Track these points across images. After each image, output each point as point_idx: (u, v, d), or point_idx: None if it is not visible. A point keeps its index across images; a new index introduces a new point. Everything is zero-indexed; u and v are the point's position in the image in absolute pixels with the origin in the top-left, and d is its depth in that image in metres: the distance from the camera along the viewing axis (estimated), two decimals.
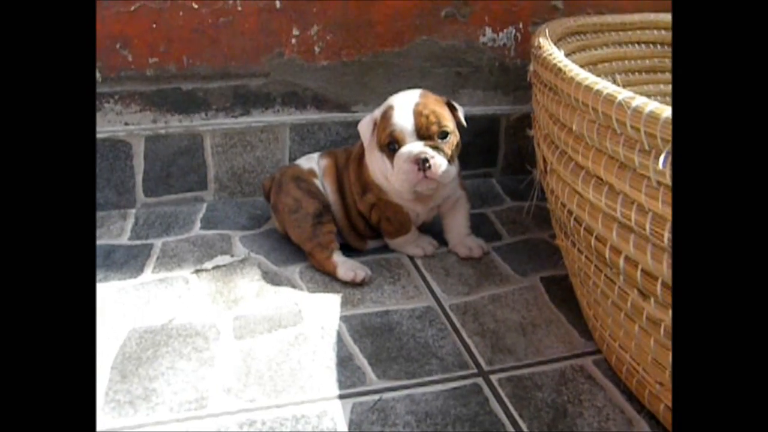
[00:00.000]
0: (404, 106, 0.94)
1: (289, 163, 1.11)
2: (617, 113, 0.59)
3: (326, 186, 1.04)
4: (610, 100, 0.61)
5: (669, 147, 0.53)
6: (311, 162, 1.07)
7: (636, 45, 1.21)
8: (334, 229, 1.01)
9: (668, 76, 1.24)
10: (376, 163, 0.98)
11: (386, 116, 0.95)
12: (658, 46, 1.22)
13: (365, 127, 0.98)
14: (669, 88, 1.24)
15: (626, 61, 1.21)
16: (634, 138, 0.58)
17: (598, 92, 0.63)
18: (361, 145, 1.03)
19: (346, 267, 0.96)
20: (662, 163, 0.54)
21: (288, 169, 1.06)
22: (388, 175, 0.96)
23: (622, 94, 0.60)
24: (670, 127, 0.53)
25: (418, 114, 0.92)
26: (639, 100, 0.57)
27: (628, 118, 0.57)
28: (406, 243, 1.04)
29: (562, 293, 0.94)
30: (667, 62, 1.24)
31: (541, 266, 1.02)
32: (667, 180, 0.54)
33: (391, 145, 0.93)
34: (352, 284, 0.96)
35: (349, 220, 1.04)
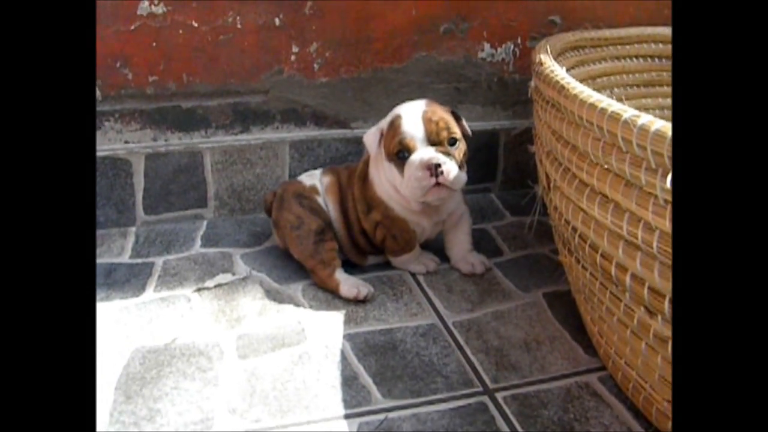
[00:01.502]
0: (412, 114, 0.94)
1: (291, 179, 1.11)
2: (623, 131, 0.59)
3: (328, 203, 1.03)
4: (615, 118, 0.61)
5: None
6: (313, 179, 1.06)
7: (634, 59, 1.22)
8: (336, 246, 1.00)
9: (666, 89, 1.24)
10: (383, 175, 0.98)
11: (394, 125, 0.94)
12: (656, 60, 1.23)
13: (371, 138, 0.98)
14: (667, 101, 1.24)
15: (624, 75, 1.21)
16: (641, 156, 0.58)
17: (603, 110, 0.63)
18: (365, 162, 1.03)
19: (348, 284, 0.96)
20: (669, 182, 0.54)
21: (290, 186, 1.06)
22: (397, 184, 0.95)
23: (627, 112, 0.60)
24: None
25: (427, 120, 0.92)
26: (645, 119, 0.57)
27: (635, 137, 0.57)
28: (409, 261, 1.04)
29: (565, 309, 0.94)
30: (665, 76, 1.24)
31: (543, 282, 1.01)
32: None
33: (401, 153, 0.93)
34: (355, 302, 0.96)
35: (350, 237, 1.03)
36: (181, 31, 1.12)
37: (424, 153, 0.91)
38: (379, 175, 0.99)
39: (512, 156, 1.32)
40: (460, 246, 1.05)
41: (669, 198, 0.55)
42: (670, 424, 0.69)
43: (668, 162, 0.54)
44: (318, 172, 1.08)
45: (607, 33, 1.17)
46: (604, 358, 0.83)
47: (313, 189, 1.04)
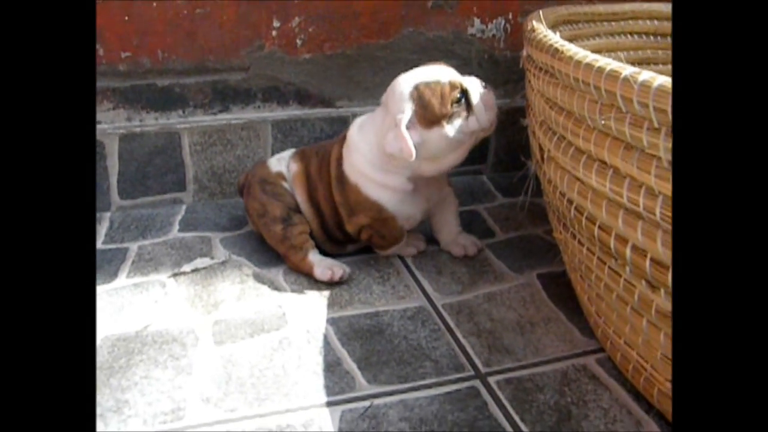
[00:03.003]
0: (432, 70, 0.89)
1: (261, 162, 1.03)
2: (623, 90, 0.55)
3: (296, 194, 0.96)
4: (614, 76, 0.56)
5: None
6: (281, 164, 0.99)
7: (629, 35, 1.17)
8: (307, 229, 0.95)
9: (662, 68, 1.20)
10: (432, 145, 0.87)
11: (424, 91, 0.86)
12: (651, 37, 1.19)
13: (403, 138, 0.84)
14: None
15: (619, 52, 1.17)
16: (642, 115, 0.54)
17: (600, 69, 0.59)
18: (339, 161, 0.93)
19: (322, 266, 0.91)
20: None
21: (257, 170, 1.00)
22: (456, 139, 0.87)
23: (627, 69, 0.55)
24: None
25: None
26: (646, 75, 0.53)
27: (635, 94, 0.53)
28: (397, 249, 0.99)
29: (561, 290, 0.89)
30: (661, 54, 1.20)
31: (537, 263, 0.97)
32: None
33: (459, 100, 0.86)
34: (333, 284, 0.91)
35: (324, 229, 0.97)
36: (155, 4, 1.07)
37: (472, 84, 0.88)
38: (372, 173, 0.90)
39: (504, 136, 1.27)
40: (448, 228, 1.00)
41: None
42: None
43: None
44: (287, 154, 1.01)
45: (601, 8, 1.13)
46: (602, 338, 0.78)
47: (279, 175, 0.98)
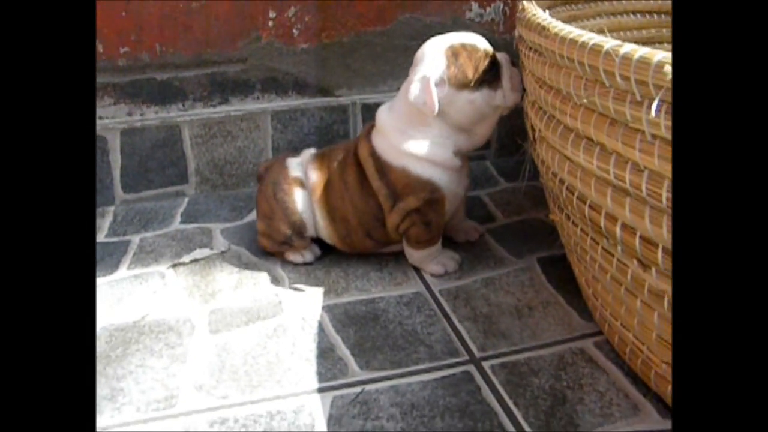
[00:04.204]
0: (465, 35, 0.88)
1: (284, 155, 0.97)
2: (605, 63, 0.54)
3: (315, 207, 0.91)
4: (596, 50, 0.55)
5: (661, 93, 0.48)
6: (300, 168, 0.93)
7: (631, 15, 1.15)
8: (307, 243, 0.93)
9: (666, 47, 1.18)
10: (459, 110, 0.86)
11: (459, 53, 0.85)
12: (655, 16, 1.16)
13: (426, 90, 0.82)
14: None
15: (621, 32, 1.15)
16: (624, 88, 0.52)
17: (583, 44, 0.57)
18: (373, 157, 0.88)
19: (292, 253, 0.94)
20: (654, 110, 0.48)
21: (277, 167, 0.94)
22: (484, 109, 0.86)
23: (609, 43, 0.54)
24: (662, 72, 0.47)
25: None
26: (627, 47, 0.52)
27: (617, 67, 0.52)
28: (430, 255, 0.91)
29: (561, 274, 0.88)
30: (665, 32, 1.18)
31: (537, 247, 0.96)
32: (663, 131, 0.49)
33: (492, 70, 0.86)
34: (331, 272, 0.91)
35: (347, 241, 0.92)
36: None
37: (504, 59, 0.88)
38: (419, 151, 0.86)
39: (507, 121, 1.25)
40: (459, 215, 0.98)
41: (656, 132, 0.50)
42: (669, 388, 0.63)
43: (654, 90, 0.49)
44: (308, 157, 0.95)
45: None
46: (600, 321, 0.77)
47: (296, 180, 0.92)
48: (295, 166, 0.93)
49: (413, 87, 0.83)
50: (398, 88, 1.17)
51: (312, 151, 0.96)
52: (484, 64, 0.85)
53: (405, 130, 0.86)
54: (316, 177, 0.91)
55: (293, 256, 0.94)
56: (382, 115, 0.89)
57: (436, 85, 0.83)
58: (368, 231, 0.90)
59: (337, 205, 0.90)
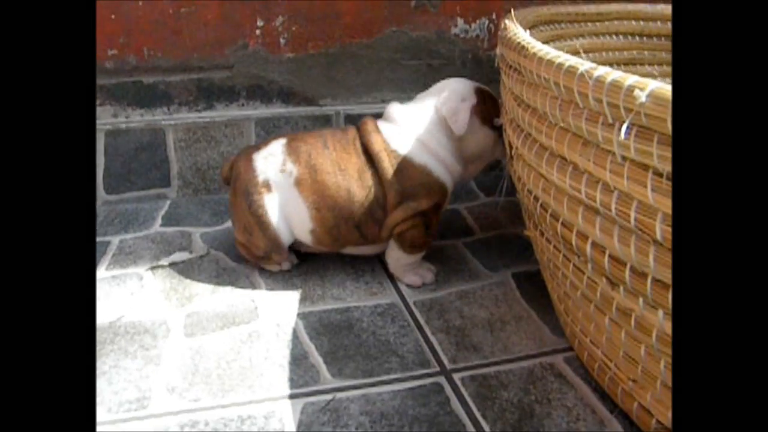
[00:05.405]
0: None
1: (247, 152, 0.91)
2: (579, 85, 0.55)
3: (300, 199, 0.88)
4: (571, 72, 0.57)
5: (631, 117, 0.49)
6: (269, 164, 0.89)
7: (614, 36, 1.18)
8: (285, 256, 0.93)
9: (648, 68, 1.20)
10: (476, 141, 0.93)
11: (487, 95, 0.95)
12: (637, 38, 1.19)
13: (464, 111, 0.89)
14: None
15: (604, 53, 1.17)
16: (597, 110, 0.54)
17: (559, 65, 0.59)
18: (387, 152, 0.87)
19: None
20: (624, 133, 0.50)
21: (242, 169, 0.90)
22: (484, 149, 0.94)
23: (584, 65, 0.56)
24: (632, 95, 0.49)
25: None
26: (601, 70, 0.53)
27: (590, 90, 0.53)
28: (414, 264, 0.92)
29: (535, 289, 0.89)
30: (647, 54, 1.20)
31: (513, 262, 0.97)
32: (632, 153, 0.50)
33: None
34: (308, 279, 0.92)
35: (332, 232, 0.89)
36: (141, 3, 1.08)
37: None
38: (444, 155, 0.89)
39: None
40: None
41: (626, 154, 0.51)
42: (635, 405, 0.65)
43: (624, 114, 0.50)
44: (278, 150, 0.90)
45: (585, 8, 1.13)
46: (570, 337, 0.78)
47: (265, 186, 0.88)
48: (261, 163, 0.89)
49: (449, 101, 0.90)
50: (382, 100, 1.19)
51: (281, 142, 0.91)
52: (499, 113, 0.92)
53: (433, 132, 0.90)
54: (298, 171, 0.88)
55: (271, 266, 0.94)
56: (402, 113, 0.91)
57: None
58: (359, 224, 0.88)
59: (330, 193, 0.87)
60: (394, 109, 0.91)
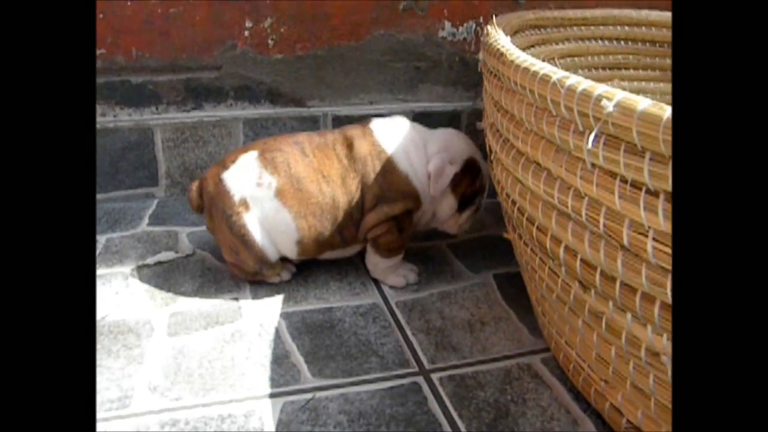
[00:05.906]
0: (483, 164, 0.95)
1: (215, 172, 0.89)
2: (552, 93, 0.57)
3: (285, 209, 0.86)
4: (545, 80, 0.58)
5: (599, 125, 0.51)
6: (241, 181, 0.86)
7: (599, 41, 1.19)
8: (278, 270, 0.92)
9: (632, 72, 1.22)
10: (445, 206, 0.94)
11: (473, 169, 0.94)
12: (621, 42, 1.20)
13: (448, 174, 0.91)
14: (633, 84, 1.22)
15: (589, 57, 1.18)
16: (568, 118, 0.55)
17: (534, 73, 0.60)
18: (376, 155, 0.89)
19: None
20: (592, 141, 0.51)
21: (212, 187, 0.88)
22: (447, 215, 0.95)
23: (557, 74, 0.57)
24: (600, 105, 0.50)
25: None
26: (573, 79, 0.55)
27: (562, 98, 0.55)
28: (394, 267, 0.93)
29: (515, 290, 0.91)
30: (631, 59, 1.22)
31: (495, 263, 0.98)
32: (600, 161, 0.52)
33: (474, 197, 0.95)
34: (292, 280, 0.93)
35: (315, 237, 0.89)
36: (129, 3, 1.09)
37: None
38: (417, 164, 0.91)
39: (475, 138, 1.28)
40: None
41: (595, 161, 0.53)
42: (607, 405, 0.66)
43: (593, 122, 0.51)
44: (251, 162, 0.87)
45: (570, 13, 1.14)
46: (547, 338, 0.80)
47: (242, 205, 0.86)
48: (233, 182, 0.87)
49: (439, 163, 0.90)
50: (370, 102, 1.20)
51: (252, 155, 0.88)
52: (474, 191, 0.94)
53: (420, 146, 0.92)
54: (279, 181, 0.86)
55: (272, 278, 0.92)
56: (384, 129, 0.92)
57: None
58: (341, 228, 0.88)
59: (315, 201, 0.86)
60: (376, 123, 0.93)
